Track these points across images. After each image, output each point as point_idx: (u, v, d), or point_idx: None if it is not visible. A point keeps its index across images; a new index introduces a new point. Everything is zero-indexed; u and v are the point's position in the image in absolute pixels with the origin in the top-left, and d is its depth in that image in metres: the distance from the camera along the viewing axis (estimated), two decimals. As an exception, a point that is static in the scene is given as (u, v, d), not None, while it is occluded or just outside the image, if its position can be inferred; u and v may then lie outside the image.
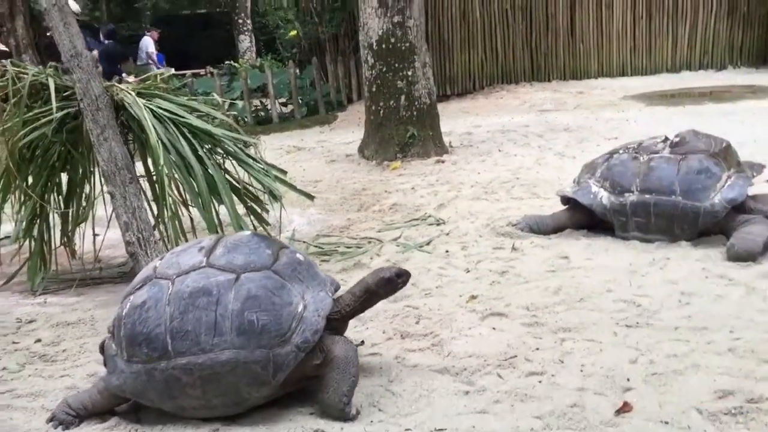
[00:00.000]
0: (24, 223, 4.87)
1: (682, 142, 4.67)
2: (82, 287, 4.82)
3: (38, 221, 4.89)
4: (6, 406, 3.08)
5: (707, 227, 4.45)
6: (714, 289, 3.83)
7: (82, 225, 5.09)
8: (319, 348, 2.80)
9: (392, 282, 2.98)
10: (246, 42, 22.93)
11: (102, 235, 5.07)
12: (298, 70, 12.82)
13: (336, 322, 2.92)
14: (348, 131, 11.16)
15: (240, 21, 22.77)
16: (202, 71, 16.59)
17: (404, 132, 8.17)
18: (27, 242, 4.93)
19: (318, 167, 8.33)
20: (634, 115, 10.41)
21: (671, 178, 4.48)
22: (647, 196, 4.53)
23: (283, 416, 2.81)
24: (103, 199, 4.97)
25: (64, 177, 5.01)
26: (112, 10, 25.68)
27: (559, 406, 2.77)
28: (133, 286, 2.95)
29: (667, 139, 4.78)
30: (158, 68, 15.96)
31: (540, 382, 2.99)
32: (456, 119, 11.18)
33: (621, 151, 4.87)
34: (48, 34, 12.49)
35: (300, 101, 12.62)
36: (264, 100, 12.84)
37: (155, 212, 4.77)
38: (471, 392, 2.94)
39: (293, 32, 14.78)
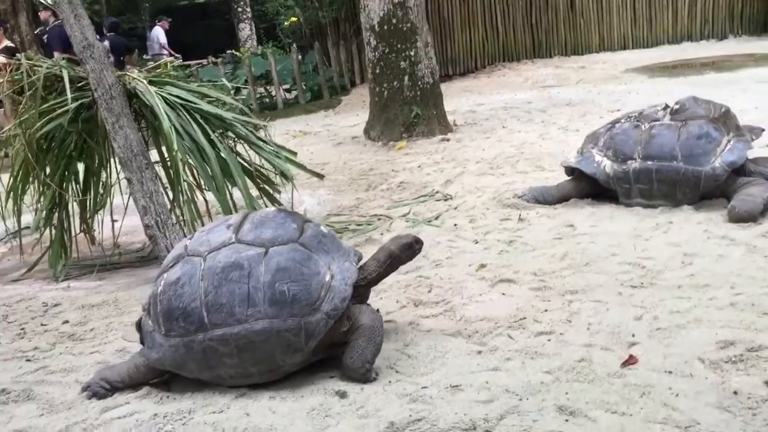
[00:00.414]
0: (44, 212, 5.03)
1: (682, 108, 4.77)
2: (102, 272, 4.98)
3: (57, 210, 5.05)
4: (41, 382, 3.24)
5: (709, 191, 4.56)
6: (716, 250, 3.95)
7: (100, 212, 5.24)
8: (347, 316, 2.94)
9: (412, 247, 3.18)
10: (246, 30, 22.97)
11: (120, 222, 5.21)
12: (300, 56, 12.90)
13: (362, 289, 3.06)
14: (352, 114, 11.27)
15: (239, 9, 22.80)
16: (204, 61, 16.69)
17: (409, 112, 8.28)
18: (47, 231, 5.08)
19: (325, 150, 8.46)
20: (636, 87, 10.48)
21: (672, 144, 4.59)
22: (649, 162, 4.64)
23: (306, 380, 2.96)
24: (119, 186, 5.13)
25: (81, 166, 5.16)
26: (111, 2, 25.73)
27: (568, 361, 2.90)
28: (165, 265, 3.10)
29: (667, 106, 4.88)
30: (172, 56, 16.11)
31: (549, 340, 3.12)
32: (459, 98, 11.27)
33: (623, 120, 4.97)
34: (37, 31, 12.64)
35: (304, 86, 12.72)
36: (268, 87, 12.95)
37: (170, 197, 4.92)
38: (483, 352, 3.08)
39: (293, 18, 14.87)
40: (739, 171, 4.52)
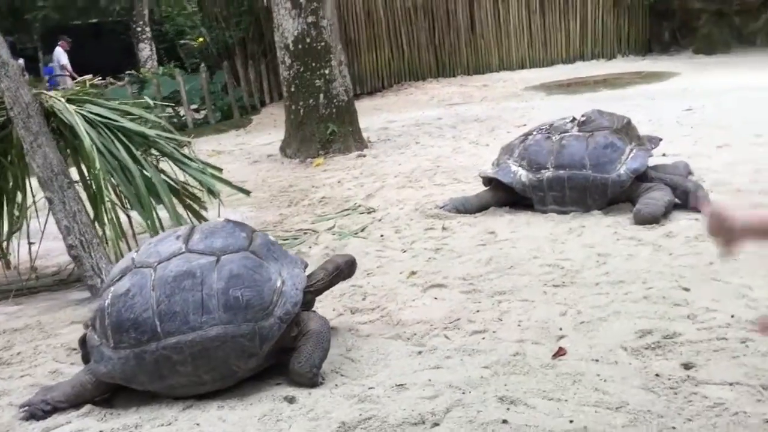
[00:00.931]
0: (-46, 236, 4.82)
1: (588, 120, 5.12)
2: (18, 297, 4.80)
3: (-31, 234, 4.85)
4: (-28, 407, 3.13)
5: (615, 196, 4.91)
6: (626, 249, 4.26)
7: (15, 235, 5.06)
8: (296, 322, 3.01)
9: (353, 265, 3.41)
10: (146, 50, 22.42)
11: (37, 244, 5.05)
12: (208, 75, 12.79)
13: (309, 296, 3.14)
14: (264, 133, 11.28)
15: (138, 29, 22.26)
16: (106, 81, 16.20)
17: (325, 129, 8.40)
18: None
19: (242, 168, 8.44)
20: (536, 103, 11.02)
21: (581, 154, 4.92)
22: (561, 171, 4.95)
23: (254, 387, 3.00)
24: (35, 207, 4.98)
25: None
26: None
27: (503, 356, 3.08)
28: (111, 279, 3.08)
29: (574, 119, 5.22)
30: (74, 78, 15.56)
31: (483, 338, 3.30)
32: (370, 116, 11.47)
33: (535, 133, 5.28)
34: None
35: (213, 106, 12.61)
36: (176, 107, 12.75)
37: (91, 216, 4.81)
38: (423, 352, 3.21)
39: (200, 39, 14.74)
40: (642, 177, 4.89)
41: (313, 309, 3.19)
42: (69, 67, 16.64)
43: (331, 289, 3.96)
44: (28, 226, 4.99)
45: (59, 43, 17.15)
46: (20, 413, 2.96)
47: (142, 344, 2.87)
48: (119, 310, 2.92)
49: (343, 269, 3.35)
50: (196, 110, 13.08)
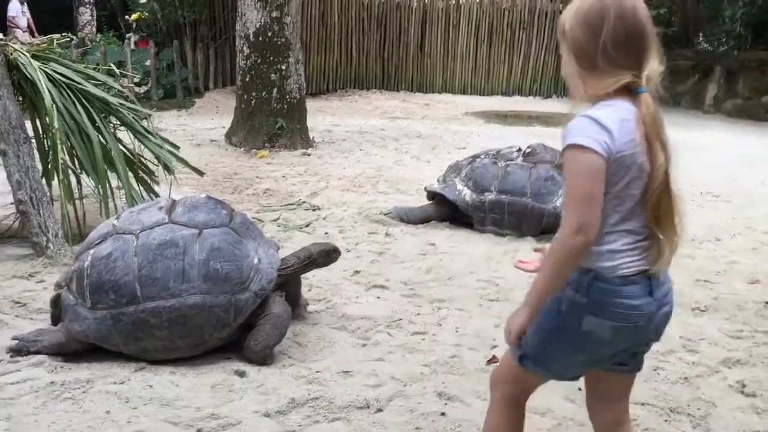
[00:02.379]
0: None
1: (533, 152, 5.47)
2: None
3: None
4: None
5: (549, 225, 5.25)
6: (555, 276, 4.58)
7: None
8: (263, 301, 3.15)
9: (329, 254, 3.51)
10: (87, 15, 21.73)
11: (-22, 195, 4.96)
12: (156, 52, 12.61)
13: (279, 278, 3.27)
14: (207, 118, 11.24)
15: (81, -8, 21.60)
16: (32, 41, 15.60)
17: (274, 123, 8.50)
18: None
19: (185, 150, 8.29)
20: (476, 129, 11.44)
21: (524, 182, 5.25)
22: (503, 196, 5.27)
23: (204, 360, 3.12)
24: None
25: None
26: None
27: (442, 357, 3.32)
28: (90, 241, 3.17)
29: (520, 149, 5.56)
30: (22, 32, 14.99)
31: (423, 339, 3.52)
32: (314, 117, 11.56)
33: (482, 156, 5.58)
34: None
35: (157, 83, 12.45)
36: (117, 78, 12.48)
37: (42, 175, 4.77)
38: (367, 345, 3.41)
39: (136, 15, 14.54)
40: (575, 212, 5.25)
41: (279, 293, 3.33)
42: (19, 21, 15.99)
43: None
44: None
45: None
46: (11, 342, 3.04)
47: (120, 306, 2.97)
48: (100, 271, 3.00)
49: (317, 258, 3.47)
50: (138, 84, 12.84)
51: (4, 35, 5.76)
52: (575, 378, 2.06)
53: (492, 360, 3.33)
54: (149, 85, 12.54)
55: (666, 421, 2.86)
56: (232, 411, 2.73)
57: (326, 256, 3.52)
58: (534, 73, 17.01)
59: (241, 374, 3.03)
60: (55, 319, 3.20)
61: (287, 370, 3.11)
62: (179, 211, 3.20)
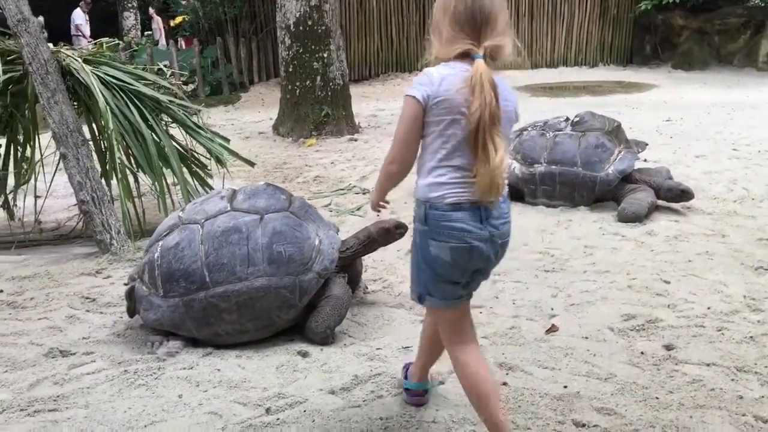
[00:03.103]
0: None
1: (582, 121, 5.40)
2: (20, 248, 4.91)
3: (-25, 184, 4.93)
4: (-5, 344, 3.28)
5: (602, 194, 5.19)
6: (610, 243, 4.54)
7: (23, 188, 5.15)
8: (325, 282, 3.22)
9: (390, 232, 3.46)
10: (131, 19, 22.23)
11: (43, 199, 5.16)
12: (199, 50, 12.84)
13: (341, 260, 3.34)
14: (254, 111, 11.39)
15: (125, -3, 22.07)
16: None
17: (319, 111, 8.58)
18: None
19: (234, 143, 8.46)
20: (523, 104, 11.24)
21: (574, 152, 5.19)
22: (553, 167, 5.22)
23: (268, 342, 3.20)
24: (41, 164, 5.09)
25: (2, 140, 5.07)
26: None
27: (500, 329, 3.33)
28: (158, 234, 3.30)
29: (568, 119, 5.49)
30: (87, 41, 15.42)
31: (481, 312, 3.54)
32: (358, 103, 11.64)
33: (529, 129, 5.54)
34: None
35: (204, 80, 12.67)
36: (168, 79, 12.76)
37: (101, 176, 4.93)
38: (426, 321, 3.44)
39: (179, 18, 14.80)
40: (628, 178, 5.18)
41: (342, 275, 3.39)
42: (84, 29, 16.46)
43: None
44: (36, 181, 5.09)
45: (80, 3, 16.92)
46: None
47: (191, 293, 3.08)
48: (169, 261, 3.13)
49: (377, 237, 3.45)
50: (185, 83, 13.10)
51: (70, 45, 5.97)
52: (460, 299, 2.30)
53: (551, 329, 3.33)
54: (196, 83, 12.77)
55: (733, 380, 2.82)
56: (298, 390, 2.80)
57: (386, 234, 3.47)
58: (578, 43, 16.71)
59: (304, 355, 3.10)
60: (131, 311, 3.33)
61: (348, 348, 3.17)
62: (240, 199, 3.30)
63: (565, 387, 2.79)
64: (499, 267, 4.09)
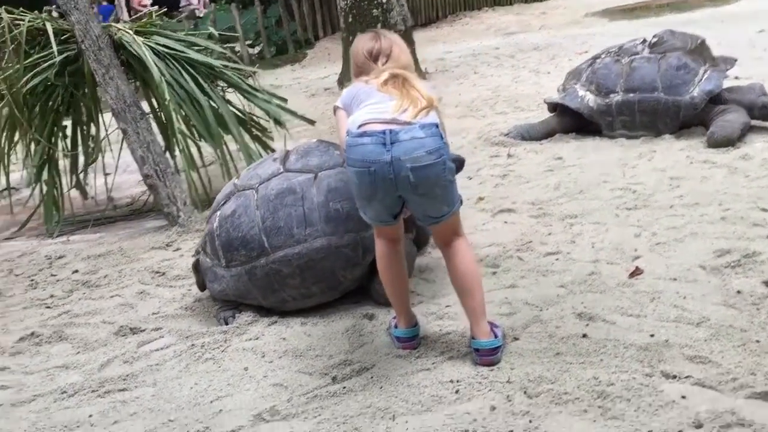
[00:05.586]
0: (34, 169, 5.00)
1: (660, 41, 4.96)
2: (97, 226, 5.00)
3: (48, 166, 5.02)
4: (69, 324, 3.32)
5: (688, 119, 4.78)
6: (700, 173, 4.17)
7: (92, 167, 5.23)
8: None
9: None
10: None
11: (113, 175, 5.22)
12: (262, 10, 12.73)
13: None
14: (320, 67, 11.25)
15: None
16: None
17: (382, 60, 8.31)
18: (37, 188, 5.06)
19: (300, 102, 8.47)
20: (598, 30, 10.68)
21: (653, 76, 4.79)
22: (631, 95, 4.84)
23: (333, 307, 3.10)
24: (108, 140, 5.12)
25: (68, 121, 5.12)
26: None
27: (579, 275, 3.10)
28: (217, 204, 3.23)
29: (645, 40, 5.06)
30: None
31: (557, 259, 3.31)
32: (425, 47, 11.31)
33: (603, 55, 5.14)
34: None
35: (268, 41, 12.60)
36: (231, 42, 12.76)
37: (164, 148, 4.93)
38: (497, 272, 3.25)
39: None
40: (716, 99, 4.74)
41: (408, 234, 3.22)
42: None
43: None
44: (103, 158, 5.14)
45: None
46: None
47: (252, 260, 3.00)
48: (227, 230, 3.05)
49: None
50: (251, 45, 13.09)
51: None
52: (387, 221, 2.54)
53: (635, 272, 3.07)
54: (261, 45, 12.73)
55: None
56: (364, 355, 2.68)
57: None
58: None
59: (371, 317, 2.98)
60: (201, 285, 3.29)
61: (417, 308, 3.01)
62: (292, 159, 3.17)
63: (652, 335, 2.55)
64: (576, 209, 3.89)
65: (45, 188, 5.02)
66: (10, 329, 3.37)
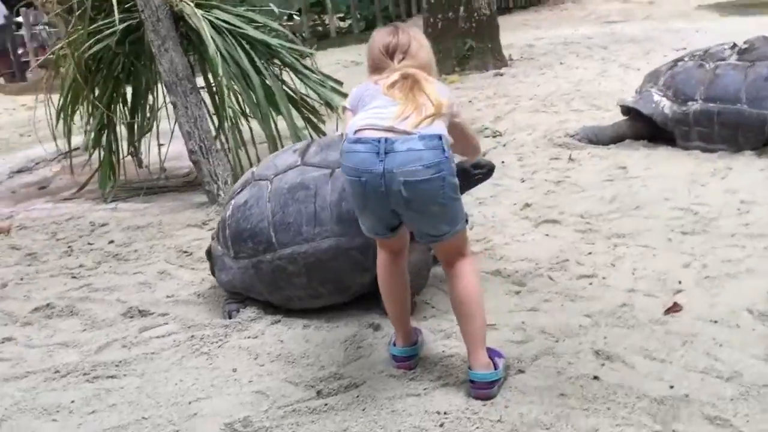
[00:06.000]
0: (93, 133, 5.08)
1: (752, 48, 4.49)
2: (149, 195, 5.04)
3: (106, 132, 5.09)
4: (85, 299, 3.33)
5: (773, 135, 4.32)
6: (776, 198, 3.76)
7: (147, 135, 5.27)
8: None
9: (467, 172, 2.85)
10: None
11: (167, 146, 5.24)
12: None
13: None
14: (407, 46, 11.00)
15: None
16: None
17: (462, 44, 8.04)
18: (96, 152, 5.15)
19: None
20: (705, 25, 9.92)
21: (738, 86, 4.34)
22: (711, 104, 4.41)
23: (342, 311, 2.95)
24: (166, 110, 5.13)
25: (129, 89, 5.17)
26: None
27: (609, 305, 2.82)
28: (234, 191, 3.14)
29: (735, 45, 4.60)
30: None
31: (591, 283, 3.04)
32: (517, 32, 10.88)
33: (686, 59, 4.72)
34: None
35: (358, 15, 12.46)
36: (322, 15, 12.74)
37: (215, 124, 4.89)
38: (522, 292, 3.02)
39: None
40: (809, 116, 4.26)
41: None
42: None
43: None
44: (158, 128, 5.17)
45: None
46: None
47: (258, 254, 2.90)
48: (238, 220, 2.96)
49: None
50: (341, 19, 12.99)
51: None
52: (384, 234, 2.37)
53: (672, 308, 2.77)
54: (350, 19, 12.61)
55: None
56: (357, 370, 2.53)
57: (463, 175, 2.66)
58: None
59: (376, 328, 2.81)
60: (213, 271, 3.22)
61: (426, 322, 2.83)
62: (312, 152, 3.02)
63: (672, 387, 2.27)
64: (626, 227, 3.57)
65: (102, 154, 5.10)
66: (31, 297, 3.41)
